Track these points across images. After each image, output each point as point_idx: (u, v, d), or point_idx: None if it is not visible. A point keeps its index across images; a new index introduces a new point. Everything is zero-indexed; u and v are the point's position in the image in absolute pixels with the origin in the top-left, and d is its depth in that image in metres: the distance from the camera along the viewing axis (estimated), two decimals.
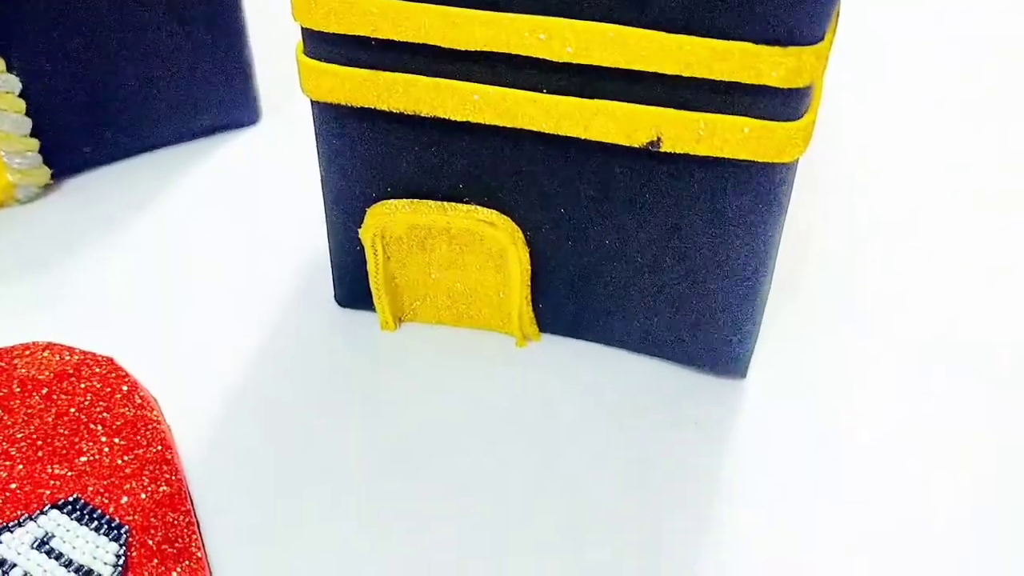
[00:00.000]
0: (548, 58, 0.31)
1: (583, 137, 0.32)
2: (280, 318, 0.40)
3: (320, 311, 0.40)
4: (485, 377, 0.38)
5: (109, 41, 0.43)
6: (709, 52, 0.30)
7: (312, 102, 0.35)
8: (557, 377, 0.38)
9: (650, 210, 0.34)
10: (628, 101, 0.31)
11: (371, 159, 0.35)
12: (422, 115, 0.33)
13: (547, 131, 0.33)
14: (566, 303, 0.38)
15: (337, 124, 0.35)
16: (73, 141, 0.44)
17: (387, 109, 0.33)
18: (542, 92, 0.32)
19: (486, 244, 0.36)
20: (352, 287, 0.39)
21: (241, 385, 0.37)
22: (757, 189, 0.33)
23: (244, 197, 0.45)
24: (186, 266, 0.41)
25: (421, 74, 0.32)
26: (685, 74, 0.30)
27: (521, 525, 0.33)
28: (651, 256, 0.35)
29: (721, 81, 0.30)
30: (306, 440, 0.35)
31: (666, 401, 0.37)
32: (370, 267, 0.38)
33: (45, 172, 0.43)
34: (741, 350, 0.37)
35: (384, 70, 0.33)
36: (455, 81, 0.32)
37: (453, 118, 0.33)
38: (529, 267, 0.37)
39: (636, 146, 0.32)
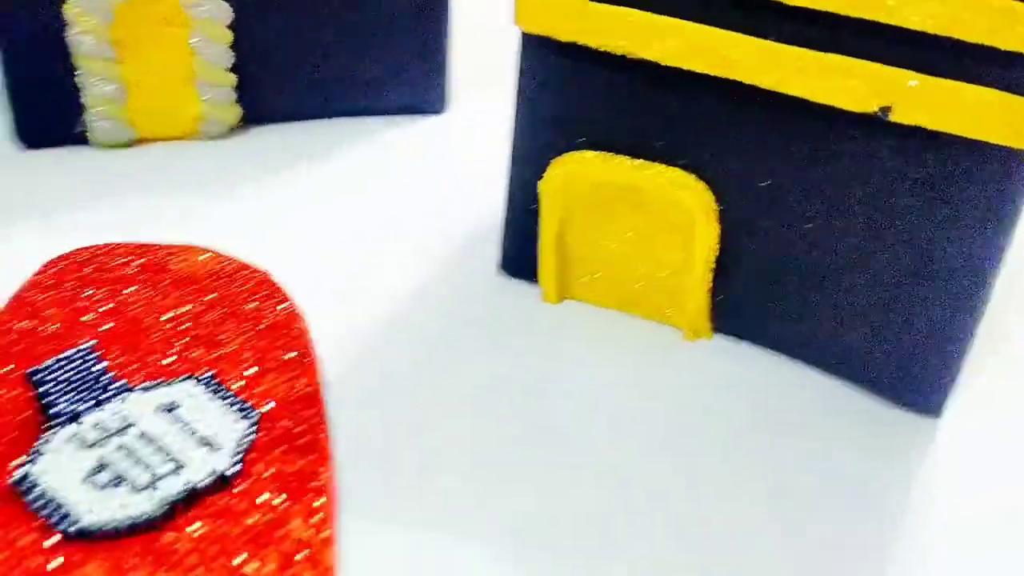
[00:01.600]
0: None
1: (806, 97, 0.30)
2: (441, 277, 0.38)
3: (482, 277, 0.38)
4: (645, 369, 0.35)
5: (331, 11, 0.43)
6: (964, 6, 0.28)
7: (522, 35, 0.34)
8: (725, 382, 0.34)
9: (864, 193, 0.31)
10: (861, 58, 0.29)
11: (570, 103, 0.34)
12: (631, 57, 0.32)
13: (765, 86, 0.31)
14: (749, 299, 0.35)
15: (542, 61, 0.34)
16: (268, 89, 0.44)
17: (597, 46, 0.32)
18: (769, 39, 0.30)
19: (675, 215, 0.34)
20: (520, 252, 0.37)
21: (391, 329, 0.36)
22: (991, 180, 0.30)
23: (420, 173, 0.44)
24: (357, 219, 0.41)
25: (634, 5, 0.31)
26: (932, 31, 0.28)
27: (661, 530, 0.29)
28: (856, 251, 0.32)
29: (977, 45, 0.28)
30: (443, 393, 0.33)
31: (844, 429, 0.33)
32: (543, 228, 0.36)
33: (236, 111, 0.44)
34: (941, 382, 0.33)
35: (600, 1, 0.31)
36: (673, 18, 0.31)
37: (664, 62, 0.31)
38: (717, 247, 0.34)
39: (864, 112, 0.30)
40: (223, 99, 0.43)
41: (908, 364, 0.33)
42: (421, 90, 0.48)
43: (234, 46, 0.42)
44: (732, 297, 0.35)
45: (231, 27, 0.42)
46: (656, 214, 0.34)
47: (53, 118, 0.42)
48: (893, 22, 0.29)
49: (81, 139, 0.42)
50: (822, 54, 0.30)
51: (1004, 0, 0.27)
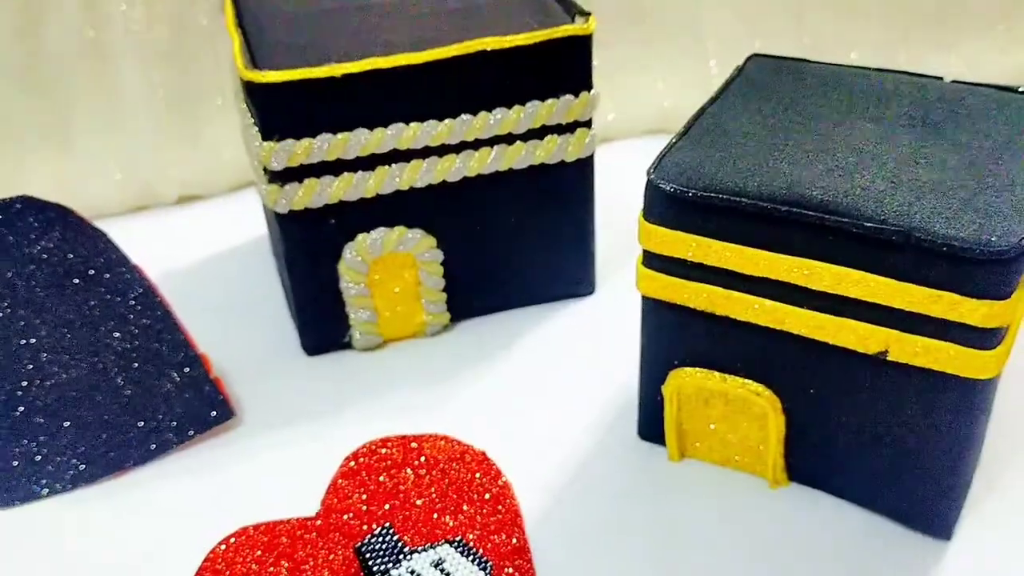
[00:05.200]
0: (809, 286, 0.45)
1: (831, 342, 0.46)
2: (595, 441, 0.55)
3: (624, 441, 0.55)
4: (741, 507, 0.51)
5: (501, 228, 0.61)
6: (926, 297, 0.43)
7: (642, 296, 0.50)
8: (793, 517, 0.50)
9: (878, 398, 0.47)
10: (866, 322, 0.45)
11: (678, 338, 0.50)
12: (717, 314, 0.48)
13: (805, 335, 0.46)
14: (809, 459, 0.50)
15: (657, 312, 0.50)
16: (466, 296, 0.62)
17: (693, 307, 0.48)
18: (803, 308, 0.46)
19: (753, 408, 0.50)
20: (652, 425, 0.54)
21: (556, 484, 0.52)
22: (962, 392, 0.45)
23: (577, 350, 0.61)
24: (531, 392, 0.58)
25: (719, 287, 0.47)
26: (907, 309, 0.43)
27: None
28: (875, 430, 0.47)
29: (933, 316, 0.43)
30: (595, 536, 0.50)
31: (867, 552, 0.48)
32: (667, 413, 0.52)
33: (446, 316, 0.62)
34: (945, 512, 0.48)
35: (693, 281, 0.48)
36: (743, 294, 0.47)
37: (739, 318, 0.48)
38: (784, 429, 0.50)
39: (870, 353, 0.45)
40: (439, 310, 0.62)
41: (917, 498, 0.48)
42: (574, 279, 0.65)
43: (444, 275, 0.61)
44: (798, 458, 0.51)
45: (442, 264, 0.60)
46: (740, 407, 0.50)
47: (328, 333, 0.61)
48: (883, 303, 0.44)
49: (347, 346, 0.62)
50: (842, 318, 0.45)
51: (939, 292, 0.42)
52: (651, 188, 0.47)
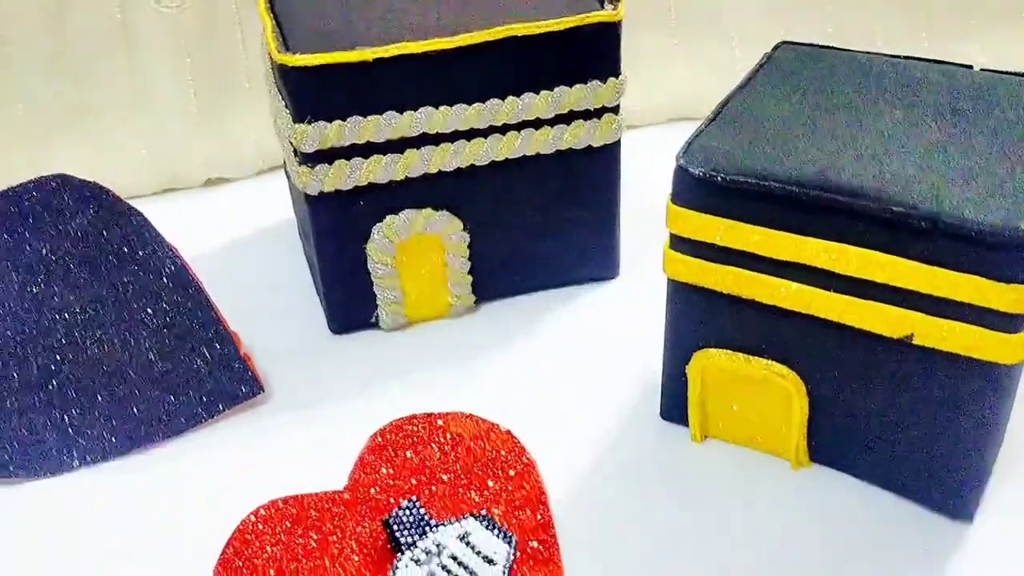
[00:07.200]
0: (836, 270, 0.46)
1: (856, 326, 0.46)
2: (619, 421, 0.56)
3: (647, 422, 0.56)
4: (763, 488, 0.51)
5: (527, 212, 0.61)
6: (953, 281, 0.43)
7: (668, 278, 0.51)
8: (814, 498, 0.51)
9: (902, 382, 0.47)
10: (892, 305, 0.45)
11: (703, 321, 0.51)
12: (743, 297, 0.49)
13: (831, 319, 0.47)
14: (832, 441, 0.51)
15: (683, 294, 0.51)
16: (492, 278, 0.63)
17: (719, 290, 0.49)
18: (830, 291, 0.46)
19: (776, 390, 0.51)
20: (675, 405, 0.55)
21: (580, 463, 0.53)
22: (987, 377, 0.45)
23: (601, 333, 0.62)
24: (555, 373, 0.59)
25: (746, 270, 0.48)
26: (934, 293, 0.44)
27: None
28: (898, 413, 0.48)
29: (960, 301, 0.44)
30: (618, 513, 0.51)
31: (889, 533, 0.49)
32: (690, 394, 0.53)
33: (472, 298, 0.63)
34: (967, 495, 0.48)
35: (720, 264, 0.48)
36: (770, 276, 0.47)
37: (765, 302, 0.48)
38: (807, 411, 0.50)
39: (895, 337, 0.46)
40: (464, 291, 0.62)
41: (940, 481, 0.48)
42: (599, 263, 0.65)
43: (470, 257, 0.61)
44: (820, 440, 0.51)
45: (468, 246, 0.61)
46: (764, 389, 0.51)
47: (355, 313, 0.62)
48: (911, 288, 0.44)
49: (373, 326, 0.62)
50: (868, 302, 0.46)
51: (967, 276, 0.43)
52: (680, 172, 0.48)
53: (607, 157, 0.61)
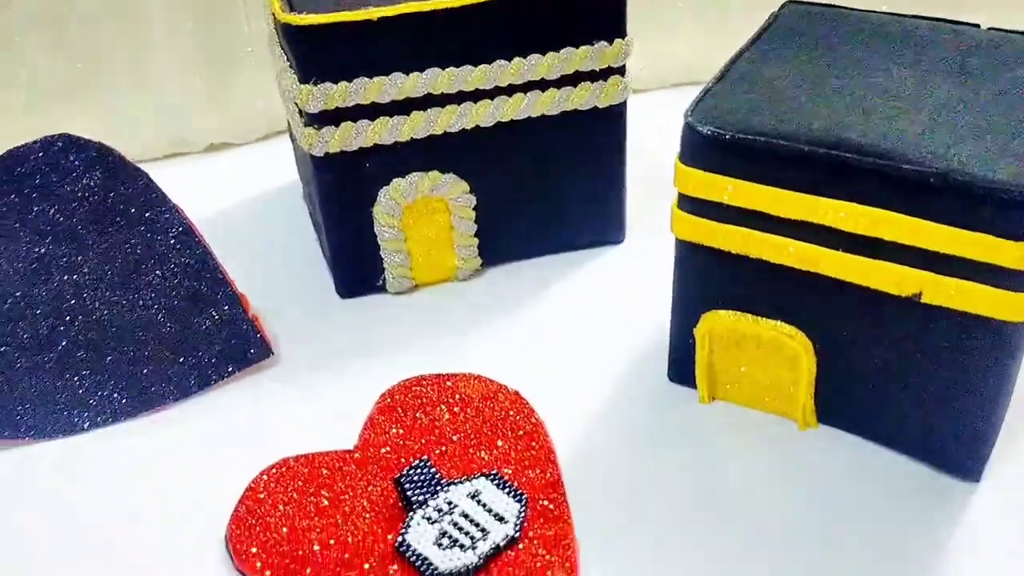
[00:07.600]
0: (844, 229, 0.46)
1: (864, 285, 0.47)
2: (626, 383, 0.56)
3: (655, 383, 0.56)
4: (771, 448, 0.52)
5: (534, 174, 0.61)
6: (962, 239, 0.43)
7: (676, 239, 0.51)
8: (822, 458, 0.51)
9: (910, 341, 0.47)
10: (900, 264, 0.45)
11: (711, 281, 0.51)
12: (751, 256, 0.49)
13: (840, 278, 0.47)
14: (839, 401, 0.51)
15: (691, 255, 0.51)
16: (498, 242, 0.63)
17: (727, 249, 0.49)
18: (838, 250, 0.46)
19: (784, 350, 0.51)
20: (682, 367, 0.55)
21: (588, 425, 0.53)
22: (994, 335, 0.45)
23: (608, 295, 0.62)
24: (562, 335, 0.59)
25: (754, 229, 0.48)
26: (943, 251, 0.44)
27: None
28: (906, 373, 0.48)
29: (969, 258, 0.44)
30: (626, 473, 0.51)
31: (896, 492, 0.49)
32: (698, 355, 0.53)
33: (478, 261, 0.63)
34: (975, 454, 0.49)
35: (728, 224, 0.48)
36: (778, 236, 0.48)
37: (773, 261, 0.48)
38: (815, 371, 0.51)
39: (904, 295, 0.46)
40: (470, 254, 0.62)
41: (947, 442, 0.49)
42: (605, 226, 0.65)
43: (476, 220, 0.61)
44: (828, 400, 0.52)
45: (474, 209, 0.61)
46: (772, 349, 0.51)
47: (361, 277, 0.62)
48: (919, 245, 0.44)
49: (380, 289, 0.62)
50: (876, 260, 0.46)
51: (976, 234, 0.43)
52: (688, 131, 0.48)
53: (613, 119, 0.61)
